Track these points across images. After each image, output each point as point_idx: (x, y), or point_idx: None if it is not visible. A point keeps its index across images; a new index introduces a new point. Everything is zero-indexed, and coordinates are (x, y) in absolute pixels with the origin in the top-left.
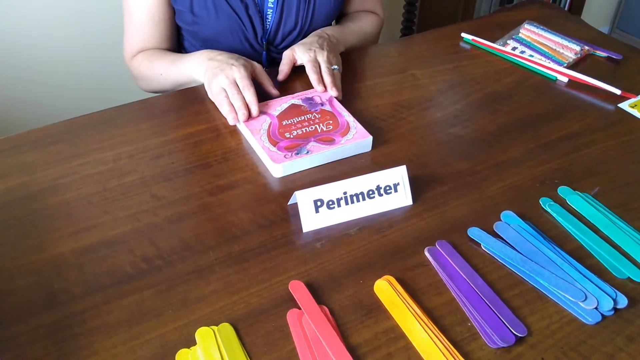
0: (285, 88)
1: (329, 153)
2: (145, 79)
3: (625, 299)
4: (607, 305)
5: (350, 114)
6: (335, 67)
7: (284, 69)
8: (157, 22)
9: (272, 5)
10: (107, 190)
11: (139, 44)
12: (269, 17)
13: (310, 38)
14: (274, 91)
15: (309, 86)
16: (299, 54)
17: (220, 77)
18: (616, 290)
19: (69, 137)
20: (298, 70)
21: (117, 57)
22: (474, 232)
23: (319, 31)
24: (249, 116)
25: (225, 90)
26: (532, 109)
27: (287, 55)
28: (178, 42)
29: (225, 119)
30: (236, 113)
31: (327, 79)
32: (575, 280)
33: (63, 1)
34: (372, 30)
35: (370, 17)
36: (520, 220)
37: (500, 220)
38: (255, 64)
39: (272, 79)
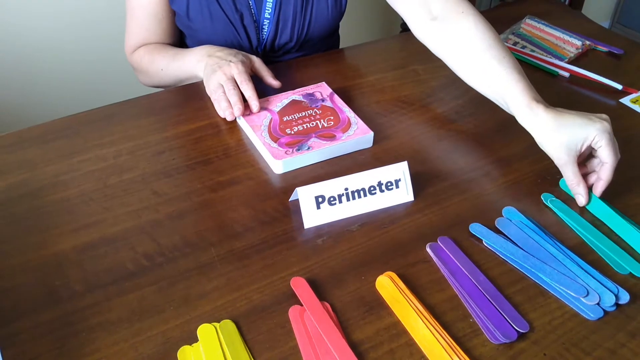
0: (285, 84)
1: (330, 149)
2: (146, 73)
3: (627, 294)
4: (609, 301)
5: (351, 110)
6: None
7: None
8: (159, 19)
9: (269, 16)
10: (107, 186)
11: (141, 39)
12: (265, 28)
13: (594, 120)
14: (274, 82)
15: (308, 82)
16: (608, 153)
17: (217, 74)
18: (618, 286)
19: (69, 134)
20: (297, 66)
21: (117, 53)
22: (476, 228)
23: (534, 94)
24: (247, 112)
25: (222, 86)
26: None
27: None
28: (180, 37)
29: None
30: (232, 109)
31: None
32: (577, 276)
33: None
34: (492, 34)
35: (472, 27)
36: (522, 216)
37: (502, 216)
38: (254, 57)
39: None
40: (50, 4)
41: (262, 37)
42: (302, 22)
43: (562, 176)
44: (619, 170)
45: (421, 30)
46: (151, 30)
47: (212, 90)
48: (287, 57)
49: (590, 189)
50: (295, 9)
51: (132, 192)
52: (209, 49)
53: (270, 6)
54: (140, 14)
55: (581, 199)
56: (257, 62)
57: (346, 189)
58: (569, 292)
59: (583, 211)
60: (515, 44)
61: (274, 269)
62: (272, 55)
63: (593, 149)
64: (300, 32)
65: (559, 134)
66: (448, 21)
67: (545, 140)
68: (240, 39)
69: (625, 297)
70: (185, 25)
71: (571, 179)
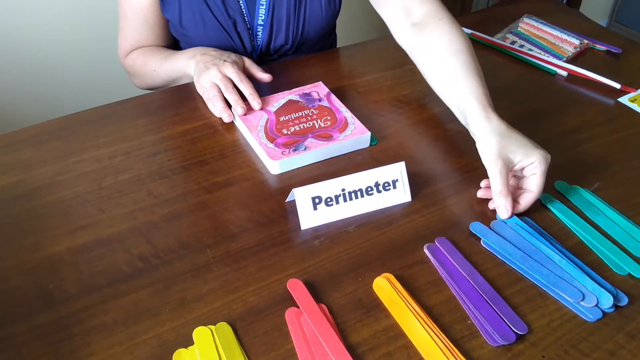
0: (281, 84)
1: (326, 149)
2: (138, 76)
3: (626, 297)
4: (606, 304)
5: (348, 110)
6: None
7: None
8: (151, 25)
9: (262, 23)
10: (102, 188)
11: (134, 43)
12: (259, 33)
13: (504, 126)
14: (264, 75)
15: (305, 81)
16: (539, 183)
17: (212, 71)
18: (617, 289)
19: (64, 134)
20: (293, 66)
21: (112, 53)
22: (476, 227)
23: (491, 111)
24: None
25: (217, 85)
26: (532, 104)
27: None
28: (175, 41)
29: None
30: (230, 110)
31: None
32: (574, 279)
33: None
34: (462, 42)
35: (446, 32)
36: (516, 218)
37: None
38: (246, 58)
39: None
40: (46, 5)
41: (257, 43)
42: (296, 24)
43: (561, 177)
44: (618, 169)
45: (400, 36)
46: (144, 35)
47: (206, 88)
48: (284, 60)
49: (591, 193)
50: (289, 11)
51: (127, 194)
52: (202, 49)
53: (264, 11)
54: (133, 19)
55: (504, 212)
56: (247, 61)
57: (343, 190)
58: (564, 296)
59: (581, 212)
60: (513, 42)
61: (271, 271)
62: (268, 59)
63: (523, 175)
64: (295, 34)
65: (504, 144)
66: (424, 27)
67: (488, 145)
68: (235, 45)
69: (624, 300)
70: (179, 33)
71: (500, 189)
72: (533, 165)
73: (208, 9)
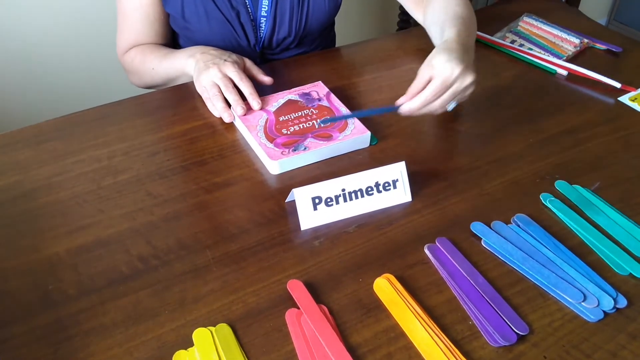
0: (281, 83)
1: (326, 149)
2: (137, 73)
3: (625, 300)
4: (607, 305)
5: (348, 110)
6: (454, 104)
7: (413, 91)
8: (152, 21)
9: (265, 14)
10: (101, 188)
11: (132, 41)
12: (262, 25)
13: (457, 46)
14: (265, 78)
15: (304, 81)
16: (443, 68)
17: (212, 70)
18: (617, 291)
19: (62, 135)
20: (293, 65)
21: (111, 53)
22: (477, 227)
23: (457, 37)
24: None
25: (217, 85)
26: (532, 103)
27: (425, 73)
28: (174, 39)
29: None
30: (231, 110)
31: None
32: (574, 280)
33: None
34: (464, 4)
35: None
36: (509, 225)
37: (502, 217)
38: (246, 59)
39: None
40: (43, 5)
41: (260, 34)
42: (300, 16)
43: (561, 177)
44: (619, 168)
45: (417, 15)
46: (143, 33)
47: (207, 87)
48: (286, 55)
49: (592, 192)
50: (292, 3)
51: (126, 194)
52: (202, 48)
53: (267, 2)
54: (132, 16)
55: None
56: (248, 62)
57: (343, 190)
58: (565, 296)
59: (582, 211)
60: (513, 42)
61: (270, 272)
62: (270, 52)
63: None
64: (299, 27)
65: (437, 53)
66: (431, 1)
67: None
68: (238, 37)
69: (622, 302)
70: (181, 27)
71: (411, 89)
72: (433, 70)
73: (211, 0)
